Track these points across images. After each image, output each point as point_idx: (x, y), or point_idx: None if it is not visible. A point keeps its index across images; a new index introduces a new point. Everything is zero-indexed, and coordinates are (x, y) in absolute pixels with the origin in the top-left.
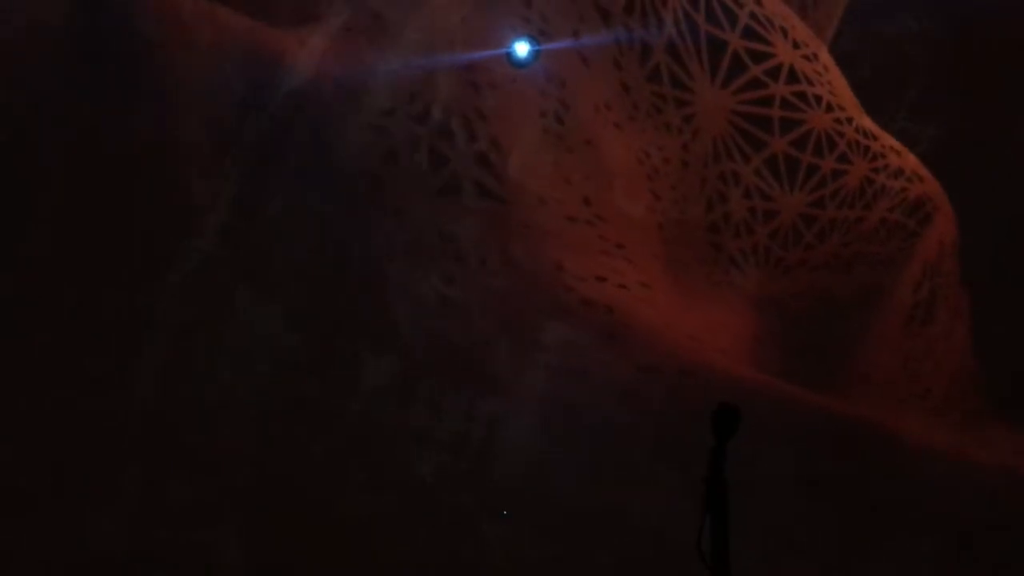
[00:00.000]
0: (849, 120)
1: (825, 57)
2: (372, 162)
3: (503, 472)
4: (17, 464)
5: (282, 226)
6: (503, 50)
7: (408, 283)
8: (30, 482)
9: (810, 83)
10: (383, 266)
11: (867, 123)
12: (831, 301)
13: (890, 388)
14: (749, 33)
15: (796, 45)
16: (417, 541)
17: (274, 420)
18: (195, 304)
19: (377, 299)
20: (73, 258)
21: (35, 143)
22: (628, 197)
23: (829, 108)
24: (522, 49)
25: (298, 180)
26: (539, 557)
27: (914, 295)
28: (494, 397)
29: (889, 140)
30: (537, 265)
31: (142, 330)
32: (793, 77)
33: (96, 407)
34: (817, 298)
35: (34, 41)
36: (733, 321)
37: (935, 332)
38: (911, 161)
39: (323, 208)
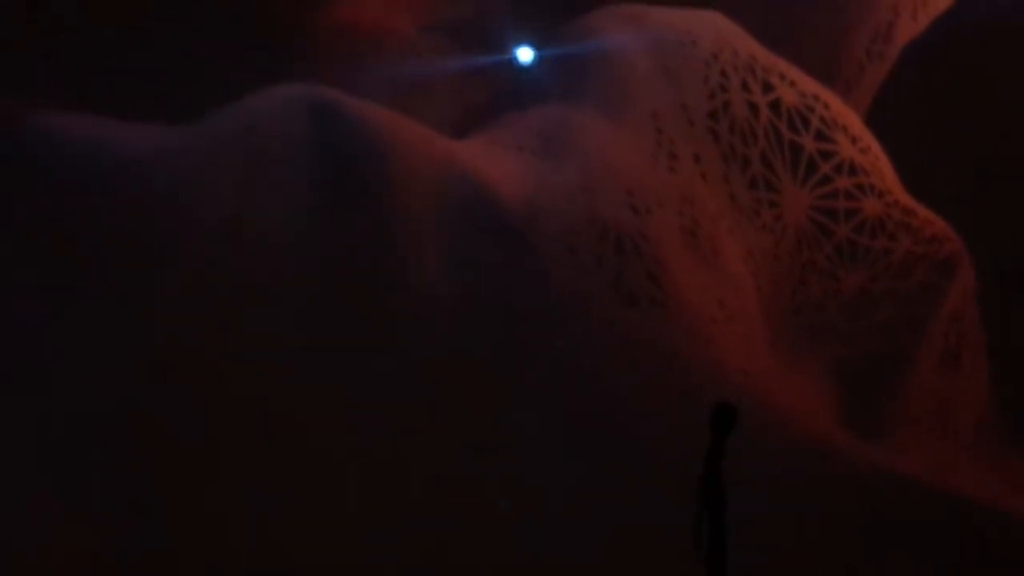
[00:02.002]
0: (896, 202)
1: (875, 147)
2: (565, 277)
3: None
4: (16, 463)
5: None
6: (507, 56)
7: (614, 385)
8: (30, 480)
9: (866, 174)
10: (588, 362)
11: (907, 201)
12: (881, 358)
13: (928, 428)
14: (819, 135)
15: (854, 140)
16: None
17: (278, 420)
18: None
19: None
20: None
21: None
22: (744, 294)
23: (880, 194)
24: (525, 54)
25: (504, 283)
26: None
27: (944, 342)
28: None
29: (924, 211)
30: (702, 364)
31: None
32: (852, 170)
33: (94, 406)
34: (871, 357)
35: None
36: (818, 387)
37: (962, 374)
38: (941, 226)
39: (537, 315)
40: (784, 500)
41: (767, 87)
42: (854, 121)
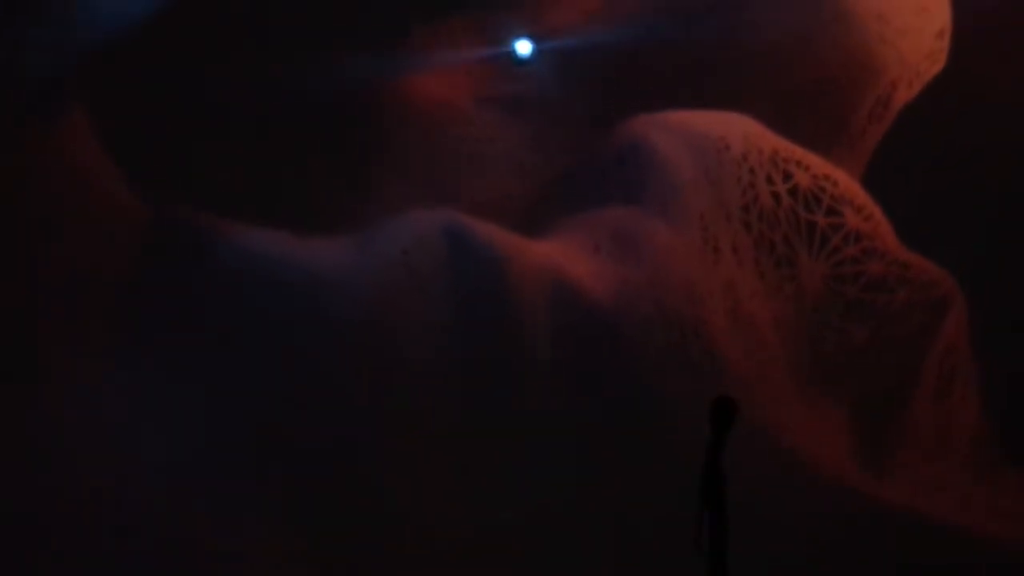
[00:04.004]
0: (895, 260)
1: (876, 212)
2: (645, 364)
3: None
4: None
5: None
6: (506, 48)
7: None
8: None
9: (870, 239)
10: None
11: (905, 255)
12: (886, 396)
13: (927, 451)
14: (830, 211)
15: (859, 210)
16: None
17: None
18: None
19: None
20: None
21: None
22: (773, 357)
23: (882, 255)
24: (524, 48)
25: (599, 374)
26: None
27: (939, 370)
28: None
29: (919, 261)
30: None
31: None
32: (858, 238)
33: (116, 403)
34: (878, 397)
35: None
36: (835, 429)
37: (955, 400)
38: (934, 271)
39: (627, 401)
40: (810, 532)
41: (787, 176)
42: (858, 192)
